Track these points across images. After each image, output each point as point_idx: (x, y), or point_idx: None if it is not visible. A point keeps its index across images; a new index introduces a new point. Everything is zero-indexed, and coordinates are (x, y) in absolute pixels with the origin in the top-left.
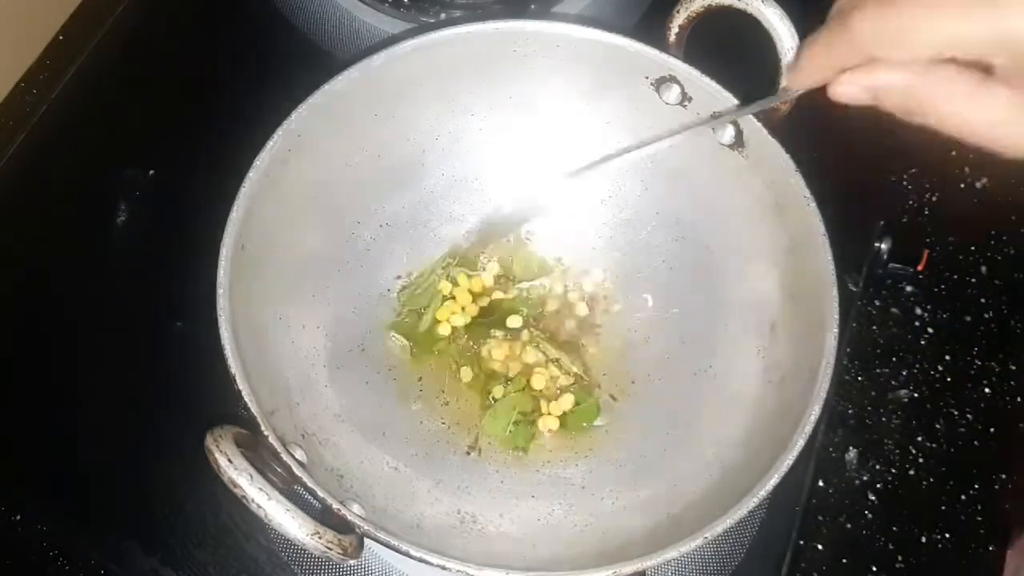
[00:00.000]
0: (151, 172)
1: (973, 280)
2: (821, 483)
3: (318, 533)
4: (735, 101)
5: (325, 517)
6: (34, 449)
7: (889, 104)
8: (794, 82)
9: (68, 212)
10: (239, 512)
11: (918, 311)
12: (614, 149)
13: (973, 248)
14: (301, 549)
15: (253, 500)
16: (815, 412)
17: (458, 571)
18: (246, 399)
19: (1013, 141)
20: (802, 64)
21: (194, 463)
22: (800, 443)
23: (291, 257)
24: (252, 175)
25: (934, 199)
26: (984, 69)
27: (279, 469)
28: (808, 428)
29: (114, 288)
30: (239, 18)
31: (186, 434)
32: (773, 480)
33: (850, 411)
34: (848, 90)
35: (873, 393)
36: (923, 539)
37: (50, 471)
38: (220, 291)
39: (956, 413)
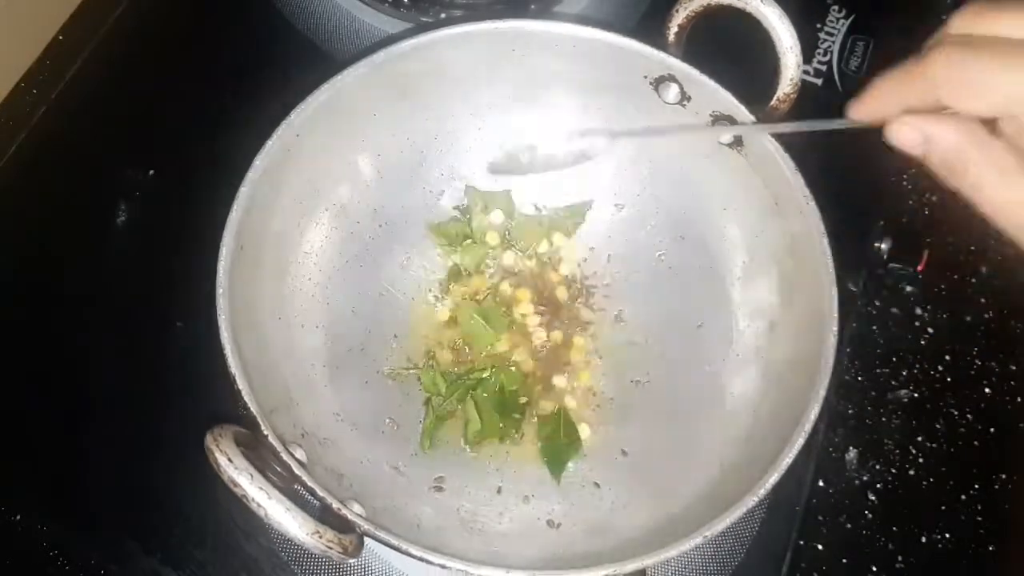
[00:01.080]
0: (151, 172)
1: (973, 280)
2: (821, 483)
3: (318, 532)
4: (734, 101)
5: (325, 516)
6: (34, 449)
7: (935, 160)
8: (856, 112)
9: (68, 212)
10: (239, 512)
11: (918, 311)
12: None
13: (973, 248)
14: (301, 549)
15: (253, 499)
16: (814, 411)
17: (458, 570)
18: (246, 398)
19: None
20: (869, 95)
21: (194, 463)
22: (800, 442)
23: (290, 257)
24: (251, 175)
25: (934, 199)
26: None
27: (279, 468)
28: (808, 427)
29: (114, 288)
30: (239, 18)
31: (186, 434)
32: (773, 479)
33: (850, 411)
34: (905, 132)
35: (873, 393)
36: (923, 539)
37: (50, 471)
38: (220, 291)
39: (956, 413)
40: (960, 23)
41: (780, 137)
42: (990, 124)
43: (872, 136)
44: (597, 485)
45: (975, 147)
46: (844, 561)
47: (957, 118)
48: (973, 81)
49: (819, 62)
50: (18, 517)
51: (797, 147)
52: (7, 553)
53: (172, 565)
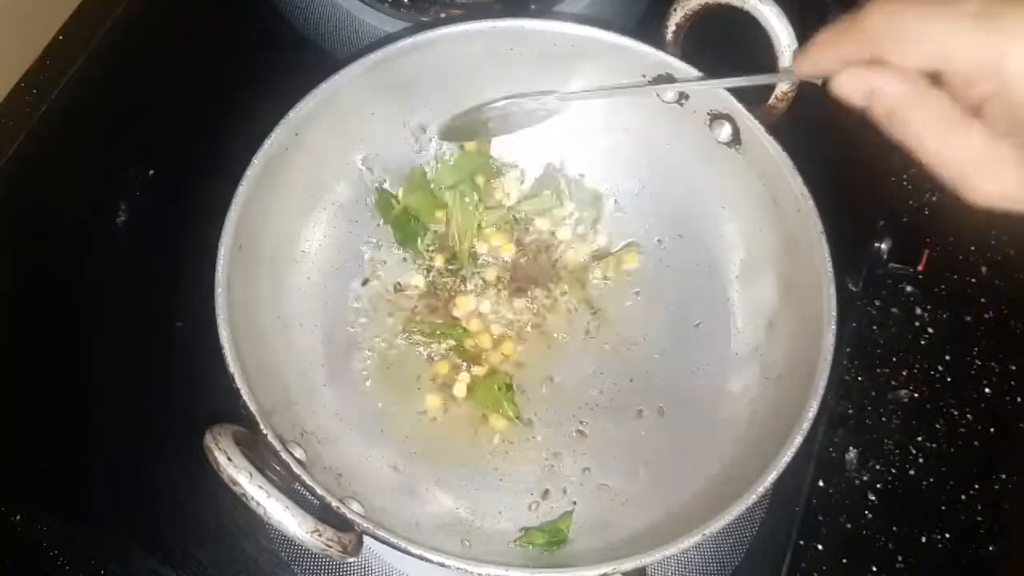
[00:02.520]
0: (151, 172)
1: (973, 280)
2: (821, 483)
3: (318, 531)
4: (732, 99)
5: (324, 515)
6: (34, 449)
7: (878, 111)
8: (799, 67)
9: (68, 212)
10: (239, 512)
11: (918, 311)
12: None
13: (973, 248)
14: (301, 549)
15: (252, 498)
16: (813, 410)
17: (457, 569)
18: (244, 398)
19: (973, 183)
20: (810, 50)
21: (194, 463)
22: (798, 440)
23: (289, 256)
24: (250, 173)
25: (934, 199)
26: (975, 111)
27: (278, 467)
28: (806, 426)
29: (114, 288)
30: (239, 18)
31: (186, 434)
32: (771, 477)
33: (850, 411)
34: (847, 85)
35: (873, 393)
36: (923, 539)
37: (50, 471)
38: (219, 291)
39: (956, 413)
40: None
41: (779, 137)
42: (935, 77)
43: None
44: (596, 484)
45: (917, 97)
46: (844, 561)
47: (900, 69)
48: (906, 33)
49: None
50: (18, 517)
51: (796, 147)
52: (7, 553)
53: (172, 565)
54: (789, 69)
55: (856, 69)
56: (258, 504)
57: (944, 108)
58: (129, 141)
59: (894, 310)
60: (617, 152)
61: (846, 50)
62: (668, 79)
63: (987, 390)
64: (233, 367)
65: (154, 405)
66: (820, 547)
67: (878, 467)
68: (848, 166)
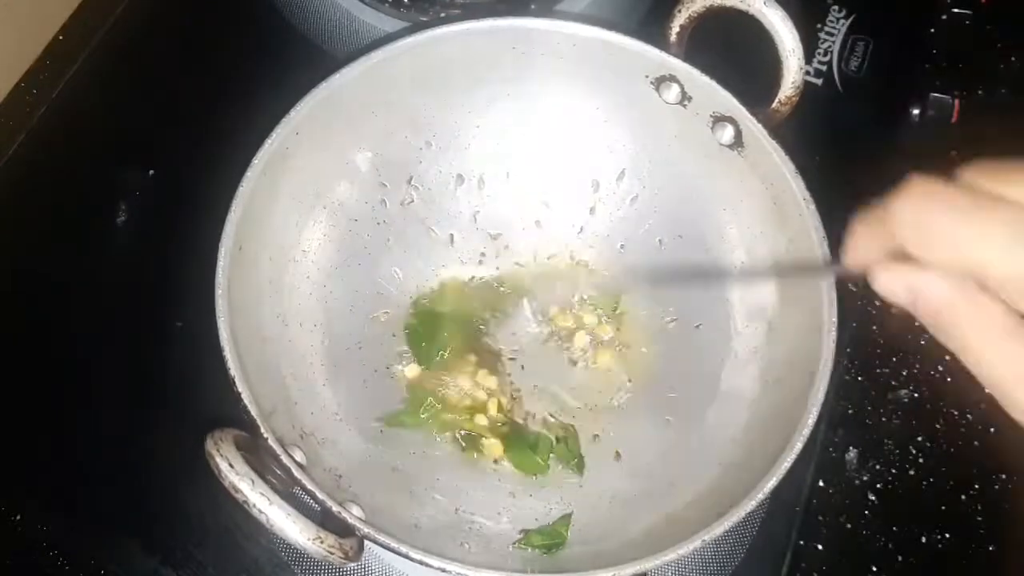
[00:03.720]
0: (151, 172)
1: None
2: (821, 483)
3: (319, 538)
4: (735, 101)
5: (325, 518)
6: (34, 449)
7: (923, 312)
8: (845, 259)
9: (68, 212)
10: (239, 512)
11: None
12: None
13: None
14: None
15: (255, 505)
16: (813, 414)
17: (457, 573)
18: (245, 401)
19: (1019, 401)
20: (850, 240)
21: (194, 463)
22: (799, 445)
23: (289, 256)
24: (250, 174)
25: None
26: None
27: (279, 471)
28: (807, 430)
29: (114, 288)
30: (239, 18)
31: (186, 434)
32: (772, 482)
33: (850, 411)
34: (890, 283)
35: (873, 393)
36: (923, 539)
37: (50, 471)
38: (218, 291)
39: (956, 413)
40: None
41: (781, 140)
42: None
43: (872, 137)
44: (596, 486)
45: (965, 303)
46: (844, 561)
47: (939, 272)
48: (937, 236)
49: (819, 62)
50: (18, 517)
51: (797, 149)
52: (7, 553)
53: (172, 565)
54: (830, 264)
55: (898, 267)
56: (260, 512)
57: (994, 315)
58: (129, 141)
59: (894, 310)
60: (618, 152)
61: (880, 243)
62: (670, 78)
63: (987, 390)
64: (233, 367)
65: (154, 405)
66: (820, 547)
67: (878, 467)
68: (847, 166)
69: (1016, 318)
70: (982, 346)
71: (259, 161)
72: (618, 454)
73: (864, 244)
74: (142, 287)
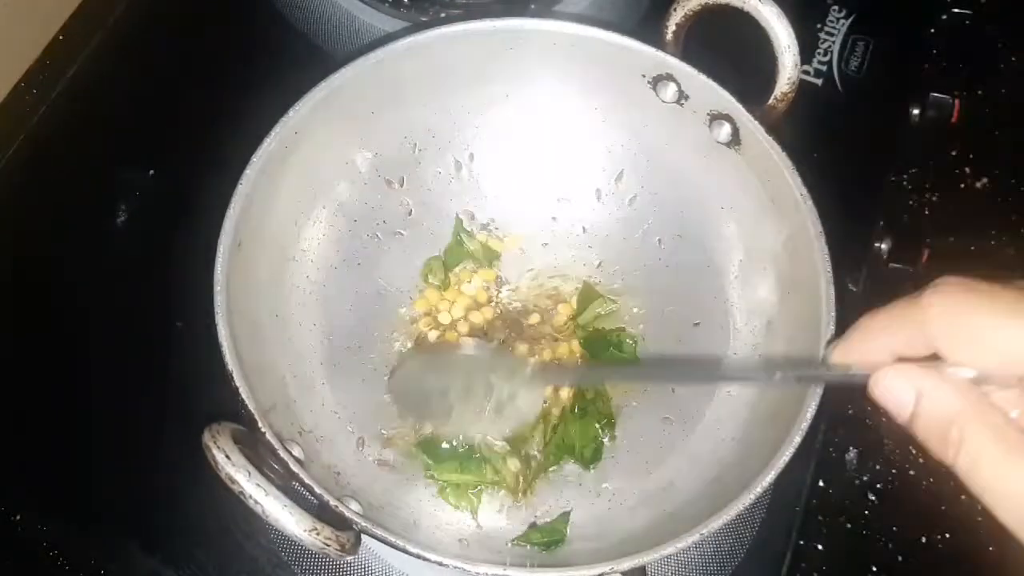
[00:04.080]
0: (151, 172)
1: None
2: (821, 483)
3: (315, 529)
4: (731, 99)
5: (322, 514)
6: (34, 449)
7: (923, 421)
8: (840, 355)
9: (68, 212)
10: (239, 512)
11: None
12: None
13: (973, 248)
14: (301, 549)
15: (251, 496)
16: (811, 410)
17: (455, 568)
18: (243, 396)
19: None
20: (854, 337)
21: (194, 463)
22: (796, 441)
23: (288, 255)
24: (249, 172)
25: (934, 199)
26: None
27: (276, 466)
28: (804, 426)
29: (114, 288)
30: (239, 18)
31: (186, 434)
32: (770, 477)
33: (850, 411)
34: (893, 384)
35: None
36: (923, 539)
37: (50, 471)
38: (217, 288)
39: None
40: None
41: (779, 137)
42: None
43: (872, 136)
44: (595, 484)
45: (975, 414)
46: (844, 561)
47: (957, 377)
48: (975, 337)
49: (819, 62)
50: (18, 517)
51: (796, 147)
52: (7, 553)
53: (172, 565)
54: (828, 363)
55: (909, 368)
56: (256, 502)
57: (1006, 431)
58: (129, 141)
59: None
60: (616, 151)
61: (900, 341)
62: (667, 77)
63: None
64: (232, 365)
65: (154, 405)
66: (820, 547)
67: (878, 467)
68: (848, 166)
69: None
70: (996, 465)
71: (258, 160)
72: (617, 452)
73: (869, 342)
74: (142, 287)
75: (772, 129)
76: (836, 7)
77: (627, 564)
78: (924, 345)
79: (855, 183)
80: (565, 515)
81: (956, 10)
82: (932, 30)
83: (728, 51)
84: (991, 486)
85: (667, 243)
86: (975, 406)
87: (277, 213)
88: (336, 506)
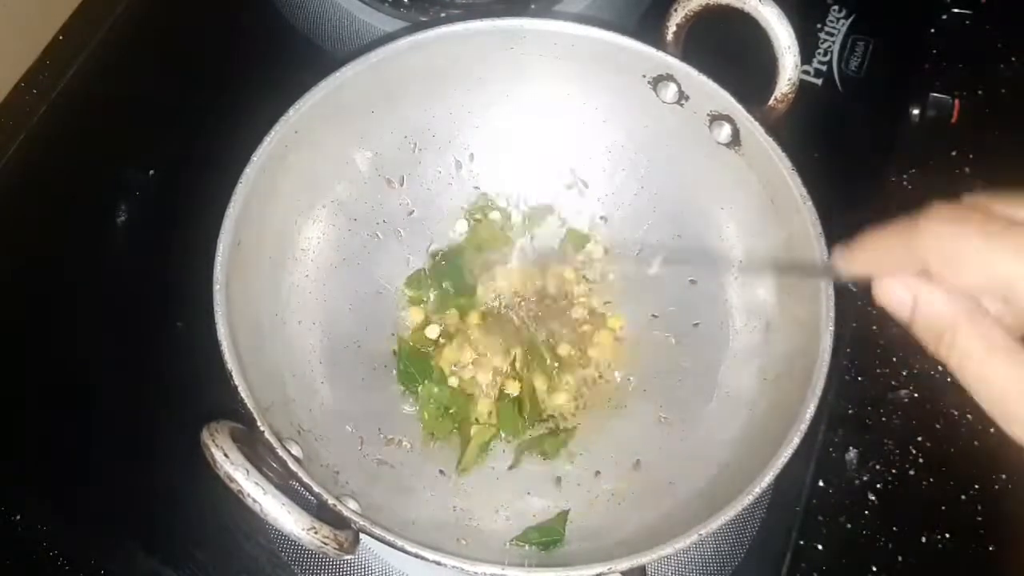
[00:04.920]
0: (151, 172)
1: None
2: (821, 483)
3: (314, 528)
4: (731, 100)
5: (321, 513)
6: (34, 449)
7: (921, 323)
8: (842, 264)
9: (68, 212)
10: (239, 512)
11: None
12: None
13: None
14: (301, 549)
15: (249, 495)
16: (810, 410)
17: (454, 567)
18: (242, 394)
19: (1015, 418)
20: (859, 248)
21: (194, 463)
22: (796, 441)
23: (288, 254)
24: (249, 172)
25: (934, 199)
26: None
27: (275, 465)
28: (804, 427)
29: (114, 288)
30: (239, 18)
31: (186, 434)
32: (769, 477)
33: (850, 411)
34: (893, 292)
35: (873, 393)
36: (923, 539)
37: (50, 471)
38: (216, 287)
39: (956, 413)
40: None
41: (778, 137)
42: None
43: (872, 136)
44: (593, 484)
45: (965, 318)
46: (844, 561)
47: (951, 287)
48: (967, 260)
49: (819, 62)
50: (18, 517)
51: (796, 147)
52: (7, 553)
53: (172, 565)
54: (828, 265)
55: (907, 281)
56: (254, 501)
57: (993, 332)
58: (129, 141)
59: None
60: (616, 152)
61: (894, 257)
62: (667, 77)
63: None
64: (231, 364)
65: (154, 405)
66: (820, 547)
67: (878, 467)
68: (848, 167)
69: (1014, 340)
70: (982, 363)
71: (258, 159)
72: (616, 452)
73: (874, 253)
74: (142, 287)
75: (772, 129)
76: (836, 7)
77: (626, 564)
78: (920, 265)
79: (855, 183)
80: (564, 515)
81: (956, 10)
82: (932, 30)
83: (728, 51)
84: (977, 381)
85: (666, 243)
86: (965, 310)
87: (277, 212)
88: (335, 505)
